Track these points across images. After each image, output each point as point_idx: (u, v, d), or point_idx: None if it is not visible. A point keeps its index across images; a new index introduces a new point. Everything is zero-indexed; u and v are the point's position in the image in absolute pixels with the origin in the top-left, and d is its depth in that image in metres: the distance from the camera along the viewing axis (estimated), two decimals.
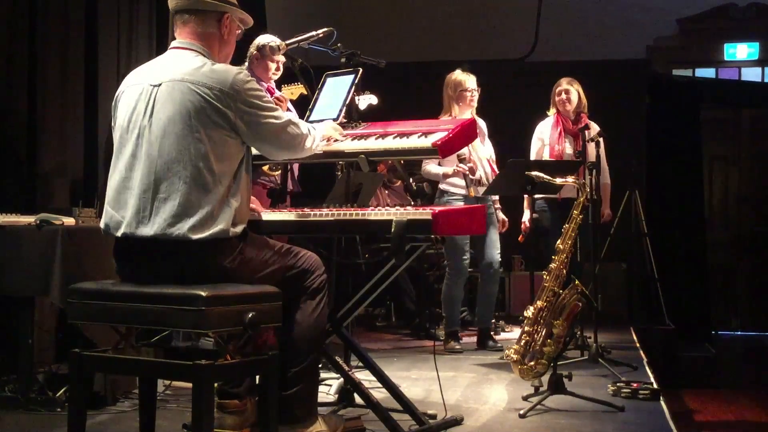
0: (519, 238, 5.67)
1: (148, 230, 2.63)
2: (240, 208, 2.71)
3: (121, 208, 2.70)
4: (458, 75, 5.60)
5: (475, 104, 5.57)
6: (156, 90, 2.71)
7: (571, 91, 5.61)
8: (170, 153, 2.64)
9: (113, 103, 2.85)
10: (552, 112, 5.71)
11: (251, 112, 2.72)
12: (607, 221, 5.96)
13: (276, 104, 4.24)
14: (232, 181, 2.70)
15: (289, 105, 4.59)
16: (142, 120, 2.70)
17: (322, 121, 3.37)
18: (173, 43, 2.86)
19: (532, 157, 5.71)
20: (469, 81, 5.56)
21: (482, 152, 5.58)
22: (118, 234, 2.70)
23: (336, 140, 3.23)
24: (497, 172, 5.51)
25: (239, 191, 2.73)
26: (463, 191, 5.45)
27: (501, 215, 5.77)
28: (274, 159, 3.18)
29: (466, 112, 5.53)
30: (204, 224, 2.61)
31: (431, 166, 5.61)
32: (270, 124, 2.78)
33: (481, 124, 5.67)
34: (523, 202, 5.79)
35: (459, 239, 5.55)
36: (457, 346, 5.64)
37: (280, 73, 4.66)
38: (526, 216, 5.72)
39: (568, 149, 5.54)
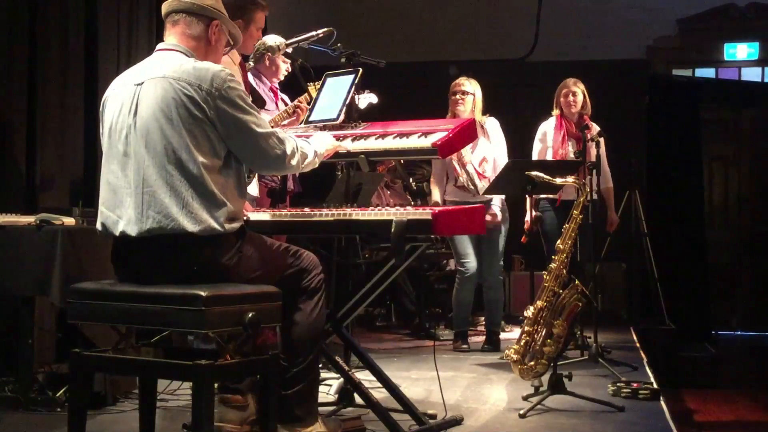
0: (522, 239, 5.61)
1: (143, 226, 2.63)
2: (234, 203, 2.70)
3: (116, 207, 2.70)
4: (458, 78, 5.60)
5: (463, 107, 5.48)
6: (139, 89, 2.71)
7: (577, 93, 5.56)
8: (155, 148, 2.64)
9: (101, 108, 2.85)
10: (556, 112, 5.66)
11: (228, 111, 2.67)
12: (615, 228, 5.86)
13: (296, 112, 4.21)
14: (223, 176, 2.68)
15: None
16: (128, 119, 2.70)
17: (322, 121, 3.37)
18: (159, 45, 2.87)
19: (534, 157, 5.67)
20: (460, 83, 5.54)
21: (467, 157, 5.51)
22: (116, 233, 2.70)
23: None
24: (483, 174, 5.48)
25: (231, 186, 2.71)
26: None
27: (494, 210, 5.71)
28: (256, 170, 3.10)
29: (458, 113, 5.49)
30: (197, 216, 2.60)
31: (434, 193, 5.65)
32: (247, 129, 2.71)
33: (490, 124, 5.61)
34: (525, 202, 5.74)
35: (462, 243, 5.54)
36: (464, 346, 5.66)
37: (287, 73, 4.61)
38: (529, 215, 5.67)
39: (571, 153, 5.44)
